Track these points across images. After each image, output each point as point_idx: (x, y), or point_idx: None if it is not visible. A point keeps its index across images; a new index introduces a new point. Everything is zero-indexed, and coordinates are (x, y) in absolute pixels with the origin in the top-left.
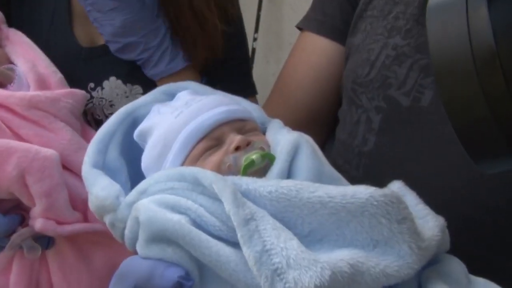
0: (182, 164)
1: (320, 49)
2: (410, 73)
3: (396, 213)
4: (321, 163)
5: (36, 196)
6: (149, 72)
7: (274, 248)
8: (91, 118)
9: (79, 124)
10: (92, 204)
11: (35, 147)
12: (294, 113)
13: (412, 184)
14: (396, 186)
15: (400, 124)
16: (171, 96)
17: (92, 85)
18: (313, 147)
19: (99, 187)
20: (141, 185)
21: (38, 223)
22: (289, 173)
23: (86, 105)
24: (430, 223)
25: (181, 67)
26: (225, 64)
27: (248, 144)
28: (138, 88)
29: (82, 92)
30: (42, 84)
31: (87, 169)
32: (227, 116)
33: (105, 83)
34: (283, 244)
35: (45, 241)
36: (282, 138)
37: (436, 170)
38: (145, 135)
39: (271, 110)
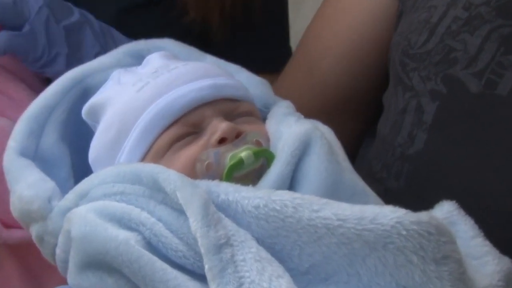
0: (142, 158)
1: (362, 2)
2: (486, 46)
3: (434, 250)
4: (340, 168)
5: None
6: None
7: None
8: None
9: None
10: (14, 208)
11: None
12: (317, 94)
13: (474, 205)
14: (446, 210)
15: (464, 117)
16: (139, 59)
17: None
18: (331, 145)
19: (25, 184)
20: (82, 186)
21: None
22: (292, 181)
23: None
24: (489, 267)
25: None
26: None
27: (238, 135)
28: None
29: None
30: None
31: (11, 158)
32: (210, 93)
33: None
34: (268, 283)
35: None
36: (286, 130)
37: None
38: (97, 113)
39: (285, 88)
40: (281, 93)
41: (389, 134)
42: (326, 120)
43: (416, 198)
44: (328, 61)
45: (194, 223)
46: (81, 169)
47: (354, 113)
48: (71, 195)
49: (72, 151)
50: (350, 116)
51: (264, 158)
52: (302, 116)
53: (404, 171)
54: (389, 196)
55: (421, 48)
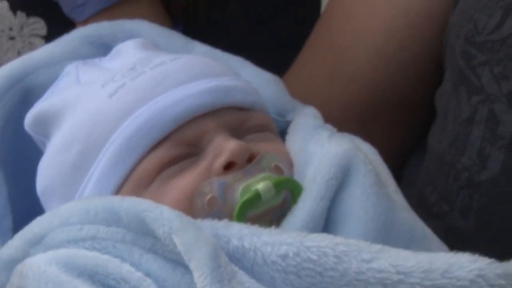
0: (118, 189)
1: None
2: None
3: None
4: (392, 205)
5: None
6: (63, 1)
7: None
8: None
9: None
10: None
11: None
12: (345, 95)
13: None
14: None
15: None
16: (102, 47)
17: None
18: (377, 171)
19: None
20: (34, 228)
21: None
22: (326, 223)
23: None
24: None
25: None
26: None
27: (250, 159)
28: (37, 24)
29: None
30: None
31: None
32: (212, 100)
33: None
34: None
35: None
36: (318, 150)
37: None
38: (47, 124)
39: (300, 87)
40: (295, 94)
41: (447, 151)
42: (357, 130)
43: (492, 242)
44: (361, 49)
45: (201, 278)
46: (23, 201)
47: (396, 121)
48: (18, 241)
49: (9, 177)
50: (390, 124)
51: (287, 190)
52: (335, 130)
53: (474, 205)
54: (453, 239)
55: (493, 34)
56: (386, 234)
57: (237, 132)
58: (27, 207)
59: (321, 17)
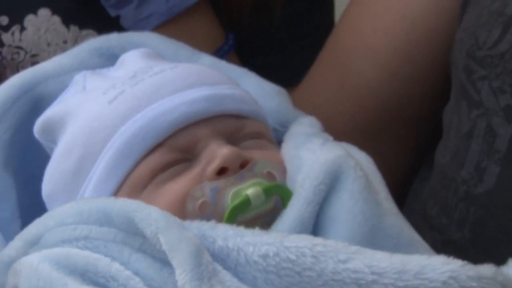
0: (115, 192)
1: None
2: None
3: None
4: (380, 211)
5: None
6: (127, 15)
7: None
8: None
9: None
10: None
11: None
12: (352, 108)
13: None
14: None
15: None
16: (111, 58)
17: (3, 20)
18: (368, 179)
19: None
20: (32, 229)
21: None
22: (315, 228)
23: None
24: None
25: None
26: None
27: (243, 165)
28: (90, 36)
29: None
30: None
31: None
32: (207, 107)
33: (29, 20)
34: None
35: None
36: (309, 157)
37: None
38: (54, 130)
39: (308, 100)
40: (303, 106)
41: (449, 165)
42: (363, 144)
43: (485, 254)
44: (368, 63)
45: (182, 275)
46: (30, 206)
47: (403, 135)
48: (18, 242)
49: (19, 182)
50: (396, 138)
51: (277, 196)
52: (331, 138)
53: (470, 217)
54: (449, 250)
55: (492, 49)
56: (373, 239)
57: (232, 139)
58: (35, 212)
59: (332, 32)
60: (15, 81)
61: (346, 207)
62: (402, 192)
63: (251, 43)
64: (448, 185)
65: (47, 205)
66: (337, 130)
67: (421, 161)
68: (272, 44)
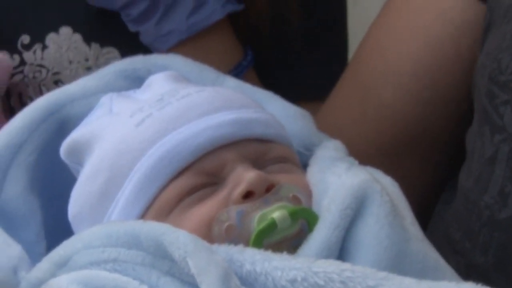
0: (142, 215)
1: (438, 7)
2: None
3: None
4: (406, 235)
5: None
6: (147, 31)
7: None
8: (17, 103)
9: None
10: None
11: None
12: (375, 131)
13: None
14: None
15: None
16: (136, 81)
17: (25, 39)
18: (394, 204)
19: None
20: (60, 251)
21: None
22: (341, 252)
23: (11, 77)
24: None
25: (218, 18)
26: (293, 32)
27: (269, 188)
28: (111, 53)
29: (2, 56)
30: None
31: None
32: (233, 132)
33: (51, 38)
34: None
35: None
36: (334, 181)
37: None
38: (80, 152)
39: (331, 122)
40: (325, 129)
41: (472, 190)
42: (386, 166)
43: (509, 279)
44: (390, 87)
45: None
46: (55, 228)
47: (426, 158)
48: (46, 264)
49: (44, 204)
50: (420, 161)
51: (303, 220)
52: (356, 162)
53: (494, 242)
54: (472, 274)
55: None
56: (399, 264)
57: (257, 163)
58: (60, 233)
59: (354, 53)
60: (41, 103)
61: (372, 232)
62: (424, 215)
63: (268, 57)
64: (472, 209)
65: (73, 226)
66: (360, 153)
67: (444, 184)
68: (289, 58)
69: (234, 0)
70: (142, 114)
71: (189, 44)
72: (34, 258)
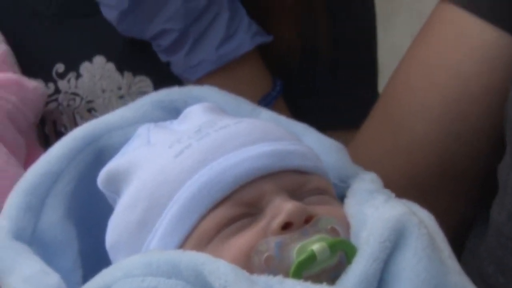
0: (181, 245)
1: (469, 43)
2: None
3: None
4: (444, 269)
5: None
6: (177, 62)
7: None
8: (51, 131)
9: (23, 141)
10: None
11: None
12: (406, 163)
13: None
14: None
15: None
16: (173, 112)
17: (60, 68)
18: (432, 237)
19: (20, 278)
20: (100, 280)
21: None
22: (380, 284)
23: (46, 105)
24: None
25: (247, 49)
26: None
27: (307, 220)
28: (143, 82)
29: (38, 84)
30: None
31: (2, 241)
32: (271, 163)
33: (84, 67)
34: None
35: None
36: (372, 214)
37: None
38: (118, 182)
39: (363, 154)
40: (358, 161)
41: (505, 224)
42: (420, 199)
43: None
44: (420, 120)
45: None
46: (92, 256)
47: (457, 191)
48: None
49: (81, 232)
50: (450, 194)
51: (342, 252)
52: (393, 195)
53: None
54: None
55: None
56: None
57: (295, 194)
58: (97, 262)
59: (385, 86)
60: (79, 133)
61: (410, 265)
62: (455, 248)
63: (297, 86)
64: (505, 243)
65: (111, 256)
66: (393, 185)
67: (476, 217)
68: (318, 87)
69: (263, 32)
70: (180, 145)
71: (219, 75)
72: (71, 286)
